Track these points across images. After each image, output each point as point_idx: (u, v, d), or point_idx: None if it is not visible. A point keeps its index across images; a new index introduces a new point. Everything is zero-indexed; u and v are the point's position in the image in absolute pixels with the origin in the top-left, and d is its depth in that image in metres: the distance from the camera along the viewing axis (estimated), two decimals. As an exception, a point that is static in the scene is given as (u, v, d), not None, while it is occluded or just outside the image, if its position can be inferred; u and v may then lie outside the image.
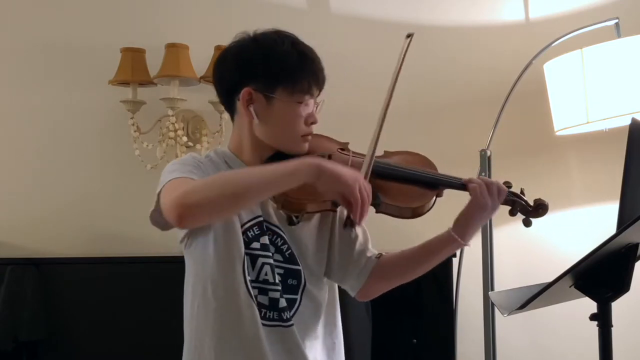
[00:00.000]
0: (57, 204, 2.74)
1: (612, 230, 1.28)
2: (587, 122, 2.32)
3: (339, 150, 1.54)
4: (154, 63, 2.61)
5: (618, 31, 2.46)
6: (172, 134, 2.60)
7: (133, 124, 2.64)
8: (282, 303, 1.44)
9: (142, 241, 2.65)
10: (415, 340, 2.39)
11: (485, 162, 2.46)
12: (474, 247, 2.50)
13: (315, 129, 1.52)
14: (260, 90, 1.43)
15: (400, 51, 1.46)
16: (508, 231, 2.71)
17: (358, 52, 2.77)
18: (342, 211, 1.51)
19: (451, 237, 1.50)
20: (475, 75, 2.76)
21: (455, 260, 2.46)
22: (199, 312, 1.45)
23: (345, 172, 1.31)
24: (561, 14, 2.74)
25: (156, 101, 2.64)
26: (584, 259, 1.26)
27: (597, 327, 1.36)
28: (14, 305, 2.36)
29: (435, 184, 1.50)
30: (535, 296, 1.32)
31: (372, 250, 1.57)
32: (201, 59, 2.60)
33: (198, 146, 2.67)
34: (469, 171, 2.20)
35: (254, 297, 1.42)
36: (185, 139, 2.63)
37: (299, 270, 1.48)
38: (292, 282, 1.47)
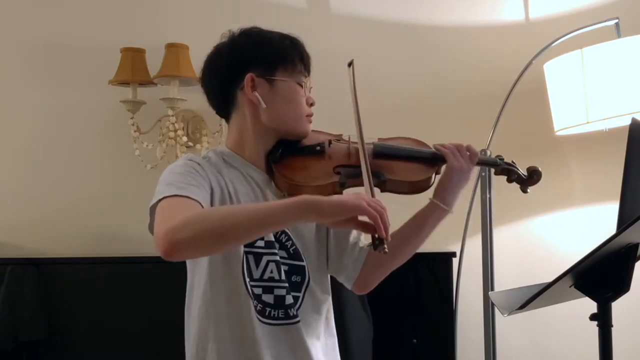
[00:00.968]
0: (57, 204, 2.74)
1: (612, 230, 1.28)
2: (587, 122, 2.32)
3: (334, 140, 1.56)
4: (154, 63, 2.61)
5: (618, 31, 2.46)
6: (172, 134, 2.60)
7: (133, 124, 2.64)
8: (289, 300, 1.44)
9: (142, 241, 2.64)
10: (415, 340, 2.39)
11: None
12: (474, 247, 2.54)
13: (316, 127, 1.54)
14: (261, 75, 1.46)
15: (350, 80, 1.50)
16: (508, 231, 2.72)
17: (358, 52, 2.76)
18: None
19: (433, 204, 1.52)
20: (475, 75, 2.76)
21: (455, 260, 2.46)
22: (201, 315, 1.45)
23: (345, 197, 1.26)
24: (561, 14, 2.74)
25: (156, 101, 2.64)
26: (584, 259, 1.25)
27: (597, 327, 1.35)
28: (14, 305, 2.36)
29: (435, 160, 1.54)
30: (535, 296, 1.32)
31: (365, 241, 1.58)
32: (201, 59, 2.55)
33: (198, 146, 2.67)
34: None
35: (252, 297, 1.42)
36: (185, 139, 2.63)
37: (303, 267, 1.49)
38: (296, 278, 1.47)
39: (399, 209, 1.50)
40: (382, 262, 1.56)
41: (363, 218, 1.25)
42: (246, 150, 1.51)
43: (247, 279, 1.42)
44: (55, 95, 2.77)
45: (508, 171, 1.61)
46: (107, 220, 2.74)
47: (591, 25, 2.49)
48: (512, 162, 1.63)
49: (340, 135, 1.59)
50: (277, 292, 1.44)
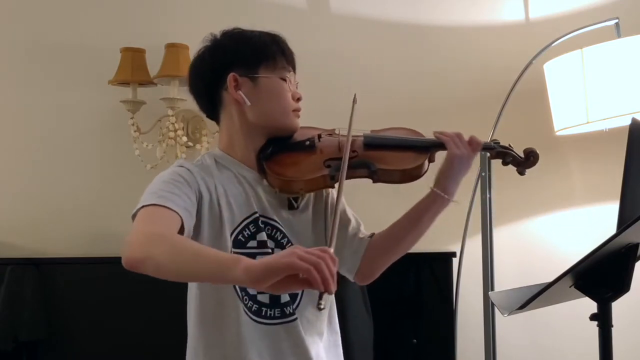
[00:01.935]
0: (57, 204, 2.74)
1: (612, 230, 1.28)
2: (587, 122, 2.32)
3: (327, 134, 1.56)
4: (154, 63, 2.61)
5: (618, 31, 2.46)
6: (172, 134, 2.60)
7: (133, 124, 2.64)
8: (285, 297, 1.44)
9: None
10: (415, 340, 2.39)
11: (486, 162, 2.46)
12: (474, 247, 2.54)
13: (317, 126, 1.54)
14: (244, 74, 1.47)
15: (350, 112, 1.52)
16: (508, 231, 2.71)
17: (358, 52, 2.77)
18: (333, 192, 1.55)
19: (434, 193, 1.50)
20: (475, 75, 2.76)
21: (455, 260, 2.46)
22: (198, 319, 1.46)
23: (275, 256, 1.13)
24: (561, 14, 2.74)
25: (156, 101, 2.64)
26: (584, 259, 1.25)
27: (597, 327, 1.35)
28: (14, 305, 2.36)
29: (425, 147, 1.52)
30: (535, 296, 1.32)
31: (365, 232, 1.58)
32: (201, 59, 2.60)
33: (198, 146, 2.67)
34: (469, 171, 2.22)
35: (247, 297, 1.42)
36: (185, 139, 2.63)
37: None
38: None
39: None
40: (382, 252, 1.55)
41: None
42: (237, 150, 1.51)
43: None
44: (55, 95, 2.77)
45: (503, 154, 1.57)
46: (107, 220, 2.73)
47: (591, 25, 2.49)
48: (509, 145, 1.59)
49: (333, 130, 1.58)
50: None
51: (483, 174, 2.44)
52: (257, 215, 1.46)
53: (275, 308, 1.44)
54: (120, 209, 2.72)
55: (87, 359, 2.40)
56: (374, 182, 1.48)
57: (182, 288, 1.51)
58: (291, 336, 1.44)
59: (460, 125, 2.70)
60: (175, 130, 2.60)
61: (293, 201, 1.49)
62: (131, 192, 2.68)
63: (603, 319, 1.34)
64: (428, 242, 1.63)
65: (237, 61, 1.47)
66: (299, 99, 1.51)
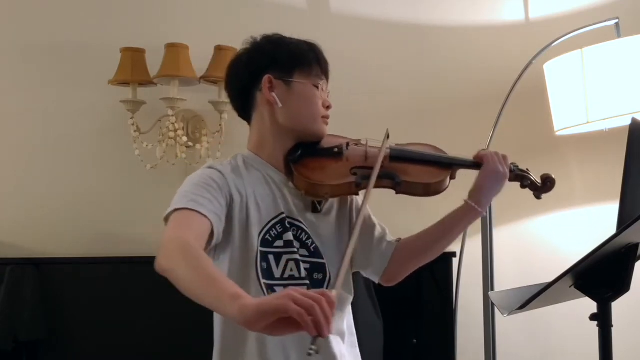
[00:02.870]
0: (57, 204, 2.74)
1: (612, 230, 1.28)
2: (587, 122, 2.32)
3: (353, 144, 1.61)
4: (154, 63, 2.61)
5: (618, 31, 2.46)
6: (172, 134, 2.60)
7: (133, 124, 2.64)
8: None
9: (142, 241, 2.65)
10: (415, 340, 2.39)
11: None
12: (474, 247, 2.53)
13: None
14: (279, 77, 1.52)
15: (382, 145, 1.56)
16: (508, 231, 2.72)
17: (358, 52, 2.77)
18: (358, 198, 1.61)
19: (469, 206, 1.56)
20: (475, 75, 2.76)
21: (455, 260, 2.46)
22: (219, 319, 1.49)
23: (270, 298, 1.10)
24: (561, 14, 2.74)
25: (156, 101, 2.64)
26: (584, 259, 1.26)
27: (597, 327, 1.36)
28: (14, 305, 2.36)
29: (449, 164, 1.60)
30: (535, 296, 1.32)
31: (391, 237, 1.62)
32: (201, 59, 2.60)
33: (198, 146, 2.67)
34: (469, 171, 2.21)
35: (266, 295, 1.43)
36: (185, 139, 2.63)
37: (323, 264, 1.51)
38: (318, 276, 1.50)
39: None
40: (410, 257, 1.61)
41: None
42: (265, 150, 1.55)
43: (263, 280, 1.45)
44: (55, 95, 2.76)
45: (522, 177, 1.64)
46: (107, 220, 2.73)
47: (591, 25, 2.49)
48: (527, 169, 1.66)
49: (359, 140, 1.63)
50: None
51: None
52: (283, 215, 1.49)
53: None
54: (121, 209, 2.75)
55: (87, 359, 2.40)
56: (396, 193, 1.54)
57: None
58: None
59: (461, 125, 2.74)
60: (175, 130, 2.60)
61: (317, 204, 1.54)
62: (131, 192, 2.73)
63: (603, 319, 1.35)
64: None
65: (274, 64, 1.52)
66: (328, 107, 1.56)
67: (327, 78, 1.58)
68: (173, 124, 2.60)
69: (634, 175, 1.44)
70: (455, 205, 1.59)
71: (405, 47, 2.79)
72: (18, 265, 2.40)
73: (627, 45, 2.27)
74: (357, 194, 1.57)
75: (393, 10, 2.81)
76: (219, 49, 2.55)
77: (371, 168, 1.49)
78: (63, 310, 2.40)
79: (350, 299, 1.58)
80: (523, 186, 1.64)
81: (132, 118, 2.64)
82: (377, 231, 1.61)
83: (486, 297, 2.45)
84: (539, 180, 1.64)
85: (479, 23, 2.79)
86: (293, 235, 1.49)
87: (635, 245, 1.31)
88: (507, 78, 2.54)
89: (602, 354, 1.35)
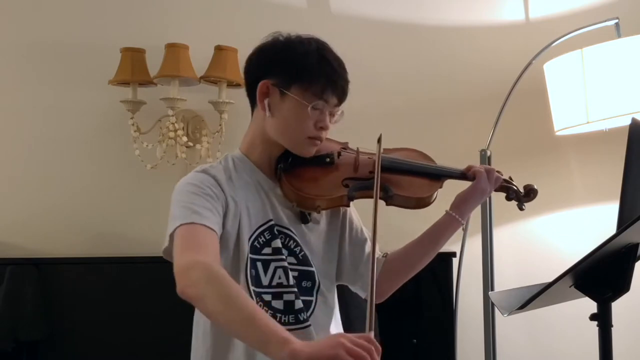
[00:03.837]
0: (57, 204, 2.74)
1: (612, 230, 1.28)
2: (587, 122, 2.32)
3: (342, 149, 1.59)
4: (154, 63, 2.61)
5: (618, 31, 2.46)
6: (172, 134, 2.60)
7: (133, 124, 2.64)
8: (299, 304, 1.45)
9: (142, 241, 2.65)
10: (415, 340, 2.39)
11: (485, 162, 2.46)
12: (474, 247, 2.53)
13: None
14: (277, 85, 1.46)
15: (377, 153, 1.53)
16: (508, 231, 2.71)
17: (358, 52, 2.76)
18: (353, 208, 1.60)
19: (451, 216, 1.57)
20: (475, 75, 2.76)
21: (455, 260, 2.46)
22: (207, 324, 1.46)
23: (321, 345, 1.13)
24: (561, 14, 2.74)
25: (156, 101, 2.63)
26: (584, 259, 1.25)
27: (597, 327, 1.35)
28: (14, 305, 2.36)
29: (439, 175, 1.60)
30: (535, 296, 1.32)
31: (378, 252, 1.60)
32: (201, 59, 2.60)
33: (198, 146, 2.67)
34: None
35: (262, 304, 1.43)
36: (185, 139, 2.63)
37: (312, 272, 1.50)
38: (307, 284, 1.49)
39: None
40: (399, 273, 1.60)
41: None
42: (255, 153, 1.53)
43: (252, 287, 1.44)
44: (55, 95, 2.76)
45: (507, 189, 1.66)
46: (107, 220, 2.74)
47: (591, 25, 2.49)
48: (510, 177, 1.68)
49: (347, 143, 1.61)
50: (286, 297, 1.45)
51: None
52: (272, 222, 1.48)
53: (289, 314, 1.45)
54: (121, 209, 2.75)
55: (87, 359, 2.40)
56: (387, 204, 1.52)
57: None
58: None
59: (461, 125, 2.74)
60: (175, 130, 2.60)
61: (307, 215, 1.52)
62: (131, 192, 2.73)
63: (603, 319, 1.35)
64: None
65: (275, 70, 1.47)
66: (322, 128, 1.48)
67: (338, 98, 1.48)
68: (173, 124, 2.60)
69: (634, 175, 1.44)
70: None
71: (406, 47, 2.79)
72: (18, 265, 2.40)
73: (627, 45, 2.27)
74: (348, 206, 1.55)
75: (393, 10, 2.81)
76: (219, 49, 2.55)
77: (363, 179, 1.49)
78: (63, 310, 2.40)
79: (334, 305, 1.57)
80: (509, 198, 1.67)
81: (132, 118, 2.64)
82: (368, 246, 1.59)
83: (486, 297, 2.45)
84: (522, 190, 1.67)
85: (479, 23, 2.79)
86: (281, 242, 1.47)
87: (635, 245, 1.31)
88: (507, 78, 2.54)
89: (602, 354, 1.35)
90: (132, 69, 2.59)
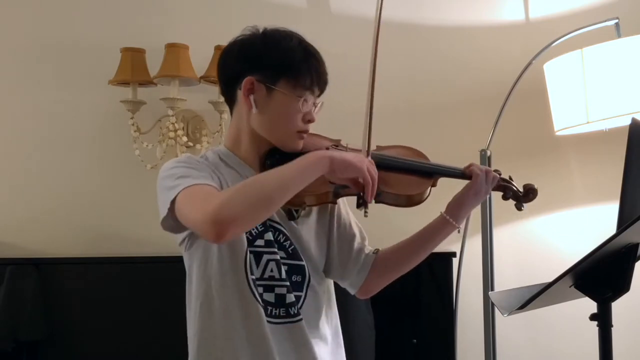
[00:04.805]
0: (57, 203, 2.74)
1: (612, 230, 1.28)
2: (587, 122, 2.32)
3: (333, 146, 1.57)
4: (154, 63, 2.61)
5: (618, 31, 2.46)
6: (172, 134, 2.60)
7: (133, 124, 2.64)
8: (290, 298, 1.45)
9: (142, 241, 2.65)
10: (415, 340, 2.39)
11: (485, 162, 2.46)
12: (474, 247, 2.54)
13: (314, 128, 1.53)
14: (263, 81, 1.44)
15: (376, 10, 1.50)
16: (508, 231, 2.71)
17: (358, 52, 2.76)
18: (343, 202, 1.58)
19: (445, 219, 1.55)
20: (475, 75, 2.76)
21: (455, 260, 2.46)
22: (203, 311, 1.45)
23: (352, 157, 1.37)
24: (561, 14, 2.74)
25: (156, 101, 2.64)
26: (584, 259, 1.25)
27: (597, 327, 1.35)
28: (14, 305, 2.36)
29: (431, 173, 1.56)
30: (535, 296, 1.32)
31: (369, 247, 1.60)
32: (201, 59, 2.60)
33: (198, 146, 2.67)
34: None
35: (257, 295, 1.43)
36: (185, 139, 2.63)
37: (302, 266, 1.49)
38: (297, 278, 1.48)
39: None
40: (388, 270, 1.58)
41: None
42: (241, 148, 1.51)
43: (251, 276, 1.43)
44: (55, 95, 2.77)
45: (504, 188, 1.61)
46: (108, 220, 2.74)
47: (591, 25, 2.49)
48: (509, 177, 1.63)
49: (339, 140, 1.59)
50: (278, 290, 1.45)
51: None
52: None
53: (281, 308, 1.45)
54: (121, 209, 2.75)
55: (87, 359, 2.40)
56: (376, 202, 1.48)
57: (182, 286, 1.51)
58: (296, 336, 1.45)
59: (461, 125, 2.74)
60: (175, 130, 2.60)
61: (294, 212, 1.50)
62: (131, 192, 2.73)
63: (603, 319, 1.34)
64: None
65: (261, 66, 1.44)
66: (309, 121, 1.48)
67: (321, 90, 1.50)
68: (173, 124, 2.60)
69: (634, 175, 1.44)
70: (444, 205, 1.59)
71: (406, 47, 2.79)
72: (18, 265, 2.40)
73: (627, 45, 2.27)
74: (335, 203, 1.54)
75: (393, 10, 2.80)
76: (219, 49, 2.55)
77: None
78: (63, 310, 2.40)
79: (330, 300, 1.56)
80: (505, 198, 1.61)
81: (132, 118, 2.64)
82: (357, 242, 1.58)
83: (486, 297, 2.45)
84: (521, 190, 1.61)
85: (479, 23, 2.79)
86: (272, 236, 1.46)
87: (635, 245, 1.31)
88: (507, 78, 2.54)
89: (602, 354, 1.34)
90: (132, 69, 2.60)
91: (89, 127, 2.77)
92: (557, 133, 2.49)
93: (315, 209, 1.55)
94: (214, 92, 2.63)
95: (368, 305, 2.30)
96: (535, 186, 1.62)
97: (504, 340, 2.54)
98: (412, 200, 1.52)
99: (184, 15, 2.79)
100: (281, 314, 1.44)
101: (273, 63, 1.44)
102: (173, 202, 1.34)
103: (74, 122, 2.76)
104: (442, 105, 2.77)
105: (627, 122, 1.52)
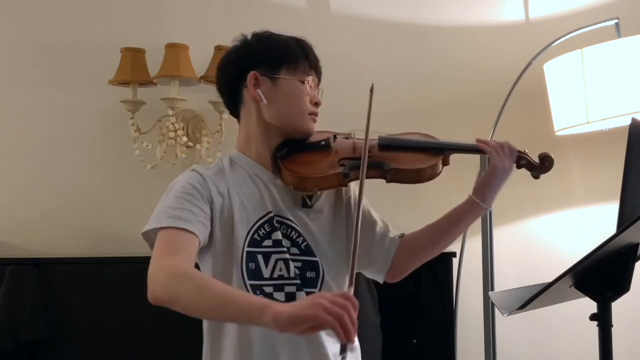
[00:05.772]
0: (57, 204, 2.74)
1: (612, 230, 1.28)
2: (587, 122, 2.32)
3: (340, 135, 1.59)
4: (154, 63, 2.61)
5: (618, 31, 2.46)
6: (172, 134, 2.60)
7: (133, 124, 2.64)
8: (300, 296, 1.45)
9: (142, 241, 2.63)
10: (415, 340, 2.39)
11: (485, 162, 2.45)
12: (474, 247, 2.53)
13: (317, 127, 1.55)
14: (265, 74, 1.51)
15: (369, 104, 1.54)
16: (508, 231, 2.71)
17: (358, 52, 2.77)
18: (354, 188, 1.59)
19: (472, 201, 1.55)
20: (475, 75, 2.76)
21: (455, 260, 2.46)
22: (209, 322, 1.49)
23: (301, 305, 1.15)
24: (561, 14, 2.74)
25: (156, 101, 2.64)
26: (584, 259, 1.26)
27: (597, 327, 1.36)
28: (14, 305, 2.36)
29: (440, 149, 1.57)
30: (536, 296, 1.32)
31: (394, 232, 1.60)
32: (201, 59, 2.60)
33: (198, 146, 2.68)
34: (469, 171, 2.22)
35: (265, 296, 1.43)
36: (185, 139, 2.63)
37: (316, 262, 1.49)
38: (311, 274, 1.48)
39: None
40: (415, 253, 1.59)
41: None
42: (253, 148, 1.54)
43: (249, 281, 1.44)
44: (55, 95, 2.77)
45: (517, 157, 1.57)
46: (107, 220, 2.74)
47: (591, 25, 2.49)
48: (524, 150, 1.60)
49: (349, 134, 1.61)
50: (288, 289, 1.45)
51: (483, 173, 2.43)
52: (271, 214, 1.48)
53: None
54: (121, 209, 2.75)
55: (87, 359, 2.40)
56: (387, 181, 1.51)
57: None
58: (309, 340, 1.44)
59: (461, 125, 2.74)
60: (175, 130, 2.60)
61: (307, 199, 1.52)
62: (131, 192, 2.72)
63: (603, 319, 1.35)
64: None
65: (260, 61, 1.51)
66: (317, 104, 1.54)
67: (317, 74, 1.56)
68: (173, 124, 2.60)
69: (634, 176, 1.44)
70: (453, 202, 1.58)
71: (405, 47, 2.79)
72: (18, 265, 2.40)
73: (627, 45, 2.27)
74: (346, 185, 1.55)
75: (393, 10, 2.81)
76: (219, 49, 2.55)
77: (359, 158, 1.46)
78: (63, 310, 2.40)
79: None
80: (519, 166, 1.57)
81: (132, 118, 2.64)
82: (379, 227, 1.59)
83: (486, 297, 2.45)
84: (536, 160, 1.58)
85: (479, 23, 2.79)
86: (282, 233, 1.47)
87: (635, 245, 1.31)
88: (507, 78, 2.54)
89: (602, 354, 1.35)
90: (132, 69, 2.60)
91: (89, 127, 2.77)
92: (557, 133, 2.50)
93: (330, 201, 1.56)
94: (214, 92, 2.60)
95: (376, 309, 2.30)
96: (552, 155, 1.57)
97: (504, 340, 2.53)
98: (423, 174, 1.53)
99: (184, 15, 2.79)
100: None
101: (271, 55, 1.52)
102: (150, 233, 1.42)
103: (74, 122, 2.76)
104: (442, 105, 2.77)
105: (627, 122, 1.52)
